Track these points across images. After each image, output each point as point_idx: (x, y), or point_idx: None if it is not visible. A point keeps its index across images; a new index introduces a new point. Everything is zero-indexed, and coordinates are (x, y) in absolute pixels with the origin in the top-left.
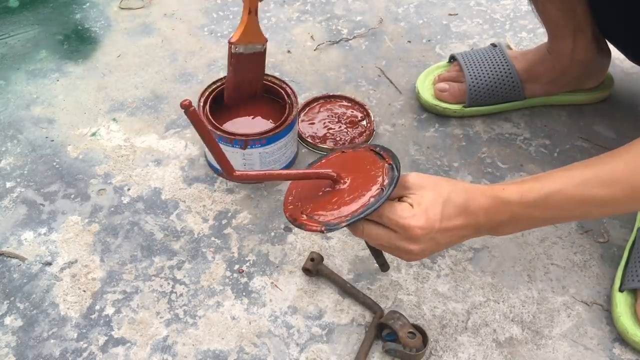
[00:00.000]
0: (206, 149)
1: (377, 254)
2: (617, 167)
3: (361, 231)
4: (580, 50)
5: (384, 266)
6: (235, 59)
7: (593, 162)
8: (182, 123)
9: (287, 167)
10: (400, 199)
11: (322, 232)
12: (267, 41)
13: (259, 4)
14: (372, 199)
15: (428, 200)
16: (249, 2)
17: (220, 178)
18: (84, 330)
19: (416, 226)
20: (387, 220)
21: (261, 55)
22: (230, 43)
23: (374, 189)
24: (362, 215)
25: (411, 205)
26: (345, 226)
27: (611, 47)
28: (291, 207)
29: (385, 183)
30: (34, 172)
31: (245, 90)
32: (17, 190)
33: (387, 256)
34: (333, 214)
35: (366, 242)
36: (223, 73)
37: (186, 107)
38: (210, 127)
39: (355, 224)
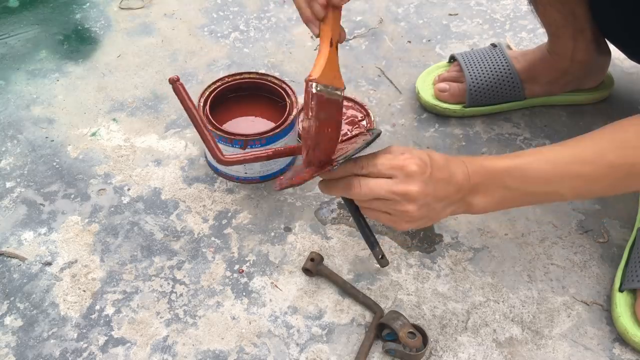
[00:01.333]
0: (206, 150)
1: (372, 244)
2: (589, 146)
3: (358, 186)
4: (581, 51)
5: (382, 259)
6: (316, 102)
7: (568, 142)
8: (182, 123)
9: (287, 167)
10: None
11: (329, 168)
12: (344, 88)
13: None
14: (362, 142)
15: (415, 152)
16: (330, 32)
17: (220, 178)
18: (84, 330)
19: (412, 162)
20: (382, 166)
21: (339, 105)
22: (309, 81)
23: (359, 140)
24: (357, 152)
25: (402, 153)
26: (342, 161)
27: (611, 47)
28: (284, 180)
29: (367, 130)
30: (34, 172)
31: (325, 148)
32: (17, 190)
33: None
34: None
35: (363, 233)
36: (223, 73)
37: (173, 81)
38: (210, 128)
39: (351, 182)
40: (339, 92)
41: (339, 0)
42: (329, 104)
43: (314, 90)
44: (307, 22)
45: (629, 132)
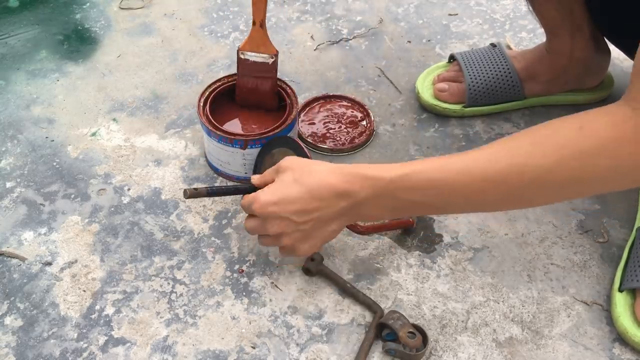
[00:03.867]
0: (206, 149)
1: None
2: (483, 156)
3: (245, 226)
4: (579, 49)
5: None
6: (241, 64)
7: (462, 153)
8: (182, 123)
9: None
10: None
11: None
12: (277, 53)
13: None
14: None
15: (278, 179)
16: (254, 14)
17: (221, 178)
18: (84, 330)
19: (258, 209)
20: (245, 210)
21: (269, 66)
22: (238, 49)
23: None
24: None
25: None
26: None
27: (611, 46)
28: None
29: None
30: (34, 172)
31: (256, 97)
32: (17, 190)
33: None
34: None
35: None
36: (223, 73)
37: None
38: (210, 127)
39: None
40: (266, 55)
41: None
42: (255, 66)
43: (239, 55)
44: None
45: (521, 139)
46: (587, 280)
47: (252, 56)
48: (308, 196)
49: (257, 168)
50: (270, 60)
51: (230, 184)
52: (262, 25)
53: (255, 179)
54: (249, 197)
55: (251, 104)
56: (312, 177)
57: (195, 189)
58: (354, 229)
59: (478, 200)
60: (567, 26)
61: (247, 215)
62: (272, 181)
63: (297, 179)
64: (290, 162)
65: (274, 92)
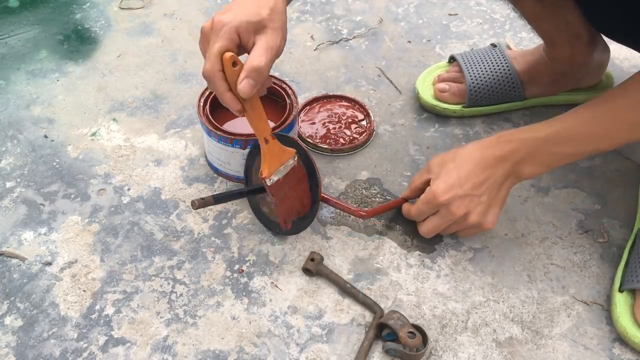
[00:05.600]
0: (206, 149)
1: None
2: (618, 104)
3: (424, 230)
4: (579, 54)
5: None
6: (273, 190)
7: (597, 101)
8: (182, 123)
9: None
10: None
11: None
12: (295, 152)
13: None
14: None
15: (442, 171)
16: (261, 132)
17: (220, 178)
18: (84, 330)
19: (441, 198)
20: (422, 211)
21: (296, 168)
22: (262, 179)
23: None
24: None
25: (430, 185)
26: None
27: (611, 46)
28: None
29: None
30: (34, 172)
31: (298, 203)
32: (17, 190)
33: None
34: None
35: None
36: None
37: None
38: (210, 127)
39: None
40: (290, 162)
41: (246, 94)
42: (287, 177)
43: (269, 184)
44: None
45: None
46: (587, 280)
47: (280, 172)
48: (478, 169)
49: (248, 171)
50: (295, 162)
51: (233, 187)
52: (273, 137)
53: (406, 193)
54: (425, 197)
55: (295, 215)
56: (471, 155)
57: (202, 198)
58: (356, 214)
59: (625, 139)
60: (564, 36)
61: (418, 222)
62: (426, 181)
63: (458, 161)
64: (439, 157)
65: (310, 187)
